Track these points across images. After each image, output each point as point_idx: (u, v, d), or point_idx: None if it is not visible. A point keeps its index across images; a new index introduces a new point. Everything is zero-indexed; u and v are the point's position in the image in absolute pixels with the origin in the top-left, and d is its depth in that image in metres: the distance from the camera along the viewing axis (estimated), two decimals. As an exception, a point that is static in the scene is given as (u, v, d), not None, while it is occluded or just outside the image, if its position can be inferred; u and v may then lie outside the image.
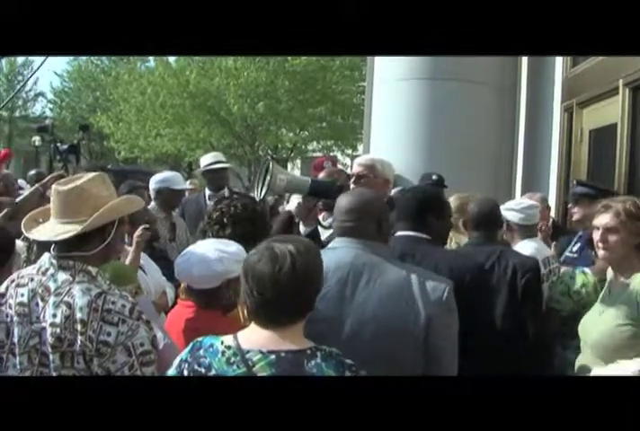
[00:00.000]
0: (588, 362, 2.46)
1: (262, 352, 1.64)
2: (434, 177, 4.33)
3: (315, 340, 1.75)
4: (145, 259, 3.34)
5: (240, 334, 1.71)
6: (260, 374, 1.61)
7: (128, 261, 3.19)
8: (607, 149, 4.63)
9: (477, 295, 2.57)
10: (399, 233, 2.65)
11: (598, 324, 2.49)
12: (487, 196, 3.56)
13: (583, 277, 2.79)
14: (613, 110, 4.49)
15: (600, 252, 2.53)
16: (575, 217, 3.72)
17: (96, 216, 1.95)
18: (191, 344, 1.76)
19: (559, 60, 5.41)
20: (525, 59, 5.65)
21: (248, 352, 1.65)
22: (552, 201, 5.08)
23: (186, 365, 1.70)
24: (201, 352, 1.70)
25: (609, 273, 2.66)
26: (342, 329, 2.02)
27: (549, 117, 5.52)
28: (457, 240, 3.40)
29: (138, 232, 3.28)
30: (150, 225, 3.44)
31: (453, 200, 3.56)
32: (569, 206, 3.91)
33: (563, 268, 3.39)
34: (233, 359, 1.65)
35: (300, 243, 1.74)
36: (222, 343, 1.69)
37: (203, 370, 1.67)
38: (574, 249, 3.70)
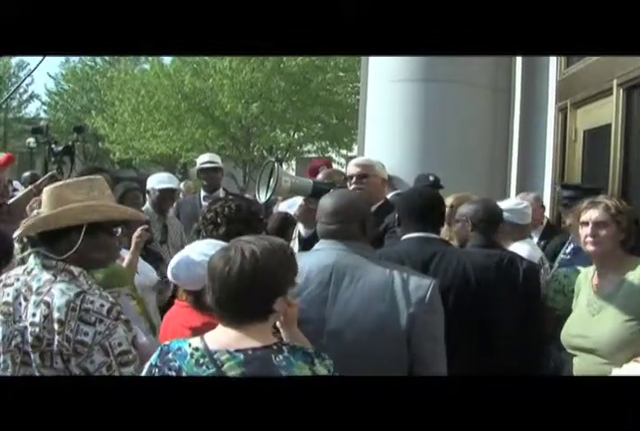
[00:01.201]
0: (592, 364, 2.45)
1: (229, 352, 1.64)
2: (431, 178, 4.33)
3: None
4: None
5: (207, 335, 1.71)
6: (230, 374, 1.61)
7: (125, 263, 3.19)
8: (601, 149, 4.66)
9: (496, 293, 2.59)
10: (410, 235, 2.63)
11: (597, 325, 2.49)
12: (484, 196, 3.57)
13: (577, 276, 2.81)
14: (607, 111, 4.51)
15: (589, 247, 2.54)
16: (568, 222, 3.72)
17: (37, 220, 1.95)
18: (158, 348, 1.75)
19: (553, 61, 5.43)
20: (519, 60, 5.66)
21: (215, 352, 1.65)
22: (546, 201, 5.10)
23: (156, 370, 1.70)
24: (170, 356, 1.69)
25: (590, 273, 2.66)
26: (325, 330, 2.02)
27: (543, 117, 5.54)
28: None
29: (137, 232, 3.29)
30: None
31: (451, 200, 3.57)
32: (561, 210, 3.91)
33: (555, 268, 3.40)
34: (202, 360, 1.65)
35: (264, 245, 1.68)
36: (190, 345, 1.69)
37: (174, 373, 1.66)
38: (567, 250, 3.70)
